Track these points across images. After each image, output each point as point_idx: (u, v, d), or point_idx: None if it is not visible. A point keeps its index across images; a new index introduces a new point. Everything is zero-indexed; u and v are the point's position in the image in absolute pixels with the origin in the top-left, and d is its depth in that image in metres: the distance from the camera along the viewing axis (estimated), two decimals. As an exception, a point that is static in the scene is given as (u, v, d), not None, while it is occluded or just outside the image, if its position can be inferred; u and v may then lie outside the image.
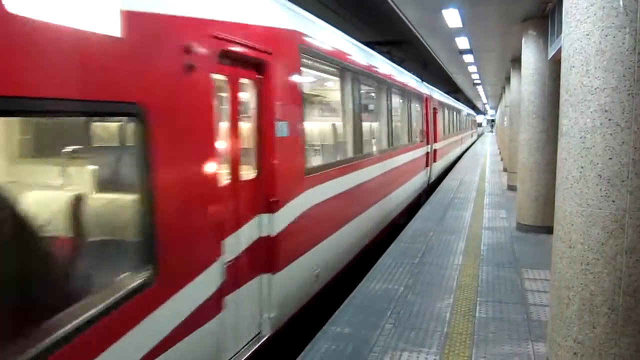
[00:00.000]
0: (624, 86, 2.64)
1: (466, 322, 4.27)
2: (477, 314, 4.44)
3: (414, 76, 12.13)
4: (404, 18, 8.36)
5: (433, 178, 13.53)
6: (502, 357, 3.65)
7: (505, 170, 15.10)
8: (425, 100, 12.26)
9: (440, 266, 5.88)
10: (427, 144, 12.26)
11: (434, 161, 13.50)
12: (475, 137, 41.72)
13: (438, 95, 15.99)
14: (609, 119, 2.69)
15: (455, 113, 21.95)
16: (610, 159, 2.70)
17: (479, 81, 22.06)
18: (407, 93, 10.17)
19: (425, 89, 12.82)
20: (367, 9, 11.87)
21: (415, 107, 11.18)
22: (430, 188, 12.96)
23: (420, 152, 11.27)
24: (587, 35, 2.77)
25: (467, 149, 29.55)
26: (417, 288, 5.11)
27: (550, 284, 3.28)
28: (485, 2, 7.18)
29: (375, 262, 6.10)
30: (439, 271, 5.68)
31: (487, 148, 31.12)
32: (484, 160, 21.87)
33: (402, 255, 6.37)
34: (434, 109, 13.81)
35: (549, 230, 5.68)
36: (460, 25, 8.64)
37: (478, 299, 4.82)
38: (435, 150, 13.59)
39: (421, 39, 10.04)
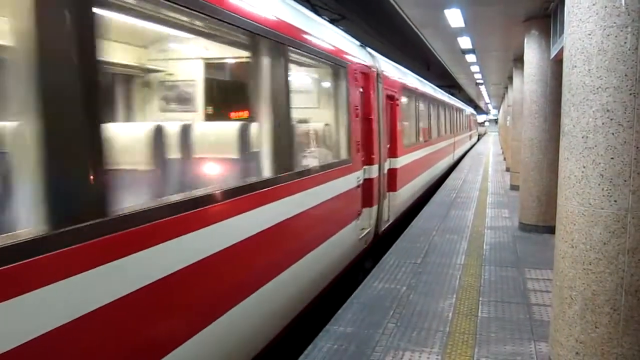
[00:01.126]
0: (625, 86, 2.65)
1: (468, 321, 4.27)
2: (479, 314, 4.44)
3: (332, 26, 6.17)
4: (405, 17, 8.36)
5: (393, 217, 8.10)
6: (504, 356, 3.65)
7: (507, 169, 15.08)
8: (365, 78, 6.55)
9: (442, 266, 5.88)
10: (368, 163, 6.56)
11: (393, 190, 8.09)
12: (475, 138, 38.21)
13: (398, 73, 9.43)
14: (611, 119, 2.69)
15: (440, 107, 15.18)
16: (612, 158, 2.70)
17: (481, 81, 22.02)
18: (288, 51, 4.13)
19: (366, 56, 6.94)
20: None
21: (326, 88, 6.05)
22: (395, 225, 8.26)
23: (338, 186, 5.33)
24: (589, 34, 2.77)
25: (466, 152, 26.58)
26: (420, 287, 5.11)
27: (552, 283, 3.28)
28: (488, 2, 7.17)
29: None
30: (441, 271, 5.68)
31: (489, 147, 31.08)
32: (486, 159, 21.84)
33: (404, 254, 6.37)
34: (391, 97, 8.10)
35: (551, 229, 5.70)
36: (462, 24, 8.64)
37: (480, 298, 4.82)
38: (395, 171, 8.17)
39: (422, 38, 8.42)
